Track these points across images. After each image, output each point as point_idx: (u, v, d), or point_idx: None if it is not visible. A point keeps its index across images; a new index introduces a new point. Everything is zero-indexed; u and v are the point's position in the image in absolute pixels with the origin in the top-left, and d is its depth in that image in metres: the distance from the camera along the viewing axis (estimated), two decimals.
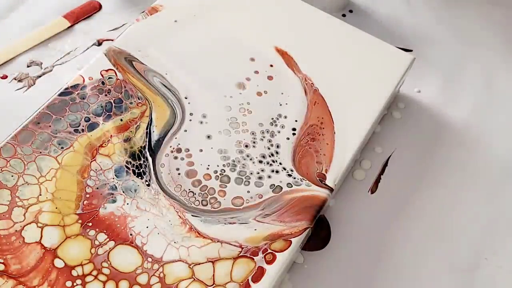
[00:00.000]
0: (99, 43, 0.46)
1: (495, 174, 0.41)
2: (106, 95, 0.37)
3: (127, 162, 0.34)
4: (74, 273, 0.30)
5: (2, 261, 0.31)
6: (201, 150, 0.35)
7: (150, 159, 0.35)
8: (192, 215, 0.33)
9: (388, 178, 0.40)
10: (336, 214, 0.38)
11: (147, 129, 0.36)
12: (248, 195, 0.34)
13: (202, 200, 0.33)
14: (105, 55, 0.39)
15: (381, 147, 0.42)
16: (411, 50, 0.47)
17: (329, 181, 0.35)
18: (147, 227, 0.32)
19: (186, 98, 0.37)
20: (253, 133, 0.36)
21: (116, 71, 0.38)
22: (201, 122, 0.36)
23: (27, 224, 0.32)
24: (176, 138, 0.35)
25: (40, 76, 0.44)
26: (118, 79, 0.38)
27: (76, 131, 0.35)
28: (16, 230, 0.32)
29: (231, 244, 0.32)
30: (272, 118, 0.37)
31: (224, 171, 0.34)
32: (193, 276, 0.31)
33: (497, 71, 0.47)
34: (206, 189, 0.34)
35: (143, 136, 0.35)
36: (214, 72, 0.38)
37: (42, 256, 0.31)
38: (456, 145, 0.42)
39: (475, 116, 0.44)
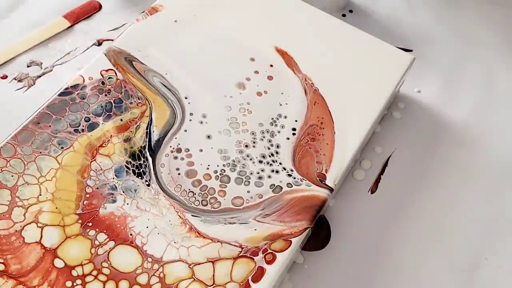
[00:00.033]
0: (99, 43, 0.46)
1: (495, 174, 0.41)
2: (106, 95, 0.37)
3: (127, 162, 0.34)
4: (74, 273, 0.30)
5: (2, 261, 0.31)
6: (201, 150, 0.35)
7: (150, 159, 0.35)
8: (192, 215, 0.33)
9: (388, 178, 0.40)
10: (336, 214, 0.38)
11: (147, 129, 0.36)
12: (248, 195, 0.34)
13: (202, 200, 0.33)
14: (105, 55, 0.39)
15: (381, 147, 0.42)
16: (411, 50, 0.47)
17: (329, 181, 0.35)
18: (147, 227, 0.32)
19: (186, 98, 0.37)
20: (253, 133, 0.36)
21: (116, 71, 0.38)
22: (201, 122, 0.36)
23: (27, 224, 0.32)
24: (176, 138, 0.35)
25: (40, 76, 0.44)
26: (118, 79, 0.38)
27: (76, 131, 0.35)
28: (16, 230, 0.32)
29: (231, 244, 0.32)
30: (272, 118, 0.37)
31: (224, 171, 0.34)
32: (193, 276, 0.31)
33: (497, 71, 0.47)
34: (206, 189, 0.34)
35: (143, 136, 0.35)
36: (214, 72, 0.38)
37: (42, 256, 0.31)
38: (456, 145, 0.42)
39: (475, 116, 0.44)
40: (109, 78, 0.38)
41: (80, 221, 0.32)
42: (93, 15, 0.48)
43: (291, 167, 0.35)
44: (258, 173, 0.35)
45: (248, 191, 0.34)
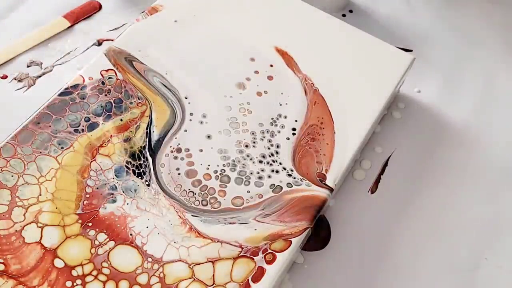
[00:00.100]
0: (99, 43, 0.46)
1: (495, 174, 0.41)
2: (106, 95, 0.37)
3: (127, 162, 0.34)
4: (74, 273, 0.30)
5: (2, 261, 0.31)
6: (201, 150, 0.35)
7: (150, 159, 0.35)
8: (192, 215, 0.33)
9: (388, 178, 0.40)
10: (336, 214, 0.38)
11: (147, 129, 0.36)
12: (248, 195, 0.34)
13: (202, 200, 0.33)
14: (105, 55, 0.39)
15: (381, 147, 0.42)
16: (411, 50, 0.47)
17: (329, 181, 0.35)
18: (147, 227, 0.32)
19: (186, 98, 0.37)
20: (253, 133, 0.36)
21: (116, 71, 0.38)
22: (201, 122, 0.36)
23: (27, 224, 0.32)
24: (176, 138, 0.35)
25: (40, 76, 0.44)
26: (118, 79, 0.38)
27: (76, 131, 0.35)
28: (16, 230, 0.32)
29: (231, 244, 0.32)
30: (272, 118, 0.37)
31: (224, 171, 0.34)
32: (193, 276, 0.31)
33: (497, 71, 0.47)
34: (206, 189, 0.34)
35: (143, 136, 0.35)
36: (214, 72, 0.38)
37: (42, 256, 0.31)
38: (456, 145, 0.42)
39: (475, 116, 0.44)
40: (109, 78, 0.38)
41: (80, 221, 0.32)
42: (93, 15, 0.48)
43: (291, 167, 0.35)
44: (258, 173, 0.35)
45: (248, 191, 0.34)
